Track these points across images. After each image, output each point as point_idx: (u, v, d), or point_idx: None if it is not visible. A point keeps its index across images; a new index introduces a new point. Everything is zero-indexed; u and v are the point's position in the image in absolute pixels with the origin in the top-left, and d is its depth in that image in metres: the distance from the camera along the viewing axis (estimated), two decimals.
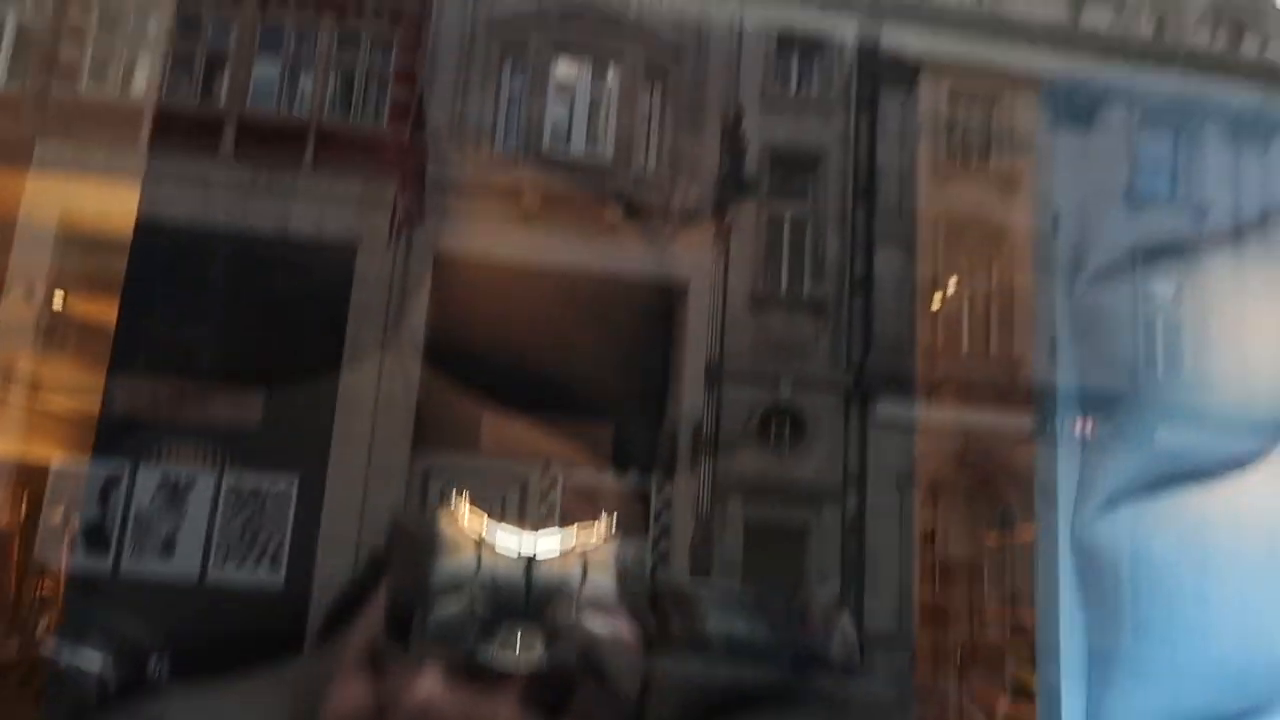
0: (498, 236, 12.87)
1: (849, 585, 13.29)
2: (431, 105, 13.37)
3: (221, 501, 12.11)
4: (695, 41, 14.37)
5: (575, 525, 2.81)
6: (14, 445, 12.06)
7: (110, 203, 12.13)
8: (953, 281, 14.86)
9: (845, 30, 14.85)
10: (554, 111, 13.81)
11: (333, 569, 11.12)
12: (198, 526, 12.02)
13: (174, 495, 12.07)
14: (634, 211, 13.46)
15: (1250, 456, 12.15)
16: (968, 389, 14.03)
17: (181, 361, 12.12)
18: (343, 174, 13.00)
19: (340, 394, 12.36)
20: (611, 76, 13.95)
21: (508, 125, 13.81)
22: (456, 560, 2.68)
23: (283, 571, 11.96)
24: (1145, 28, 16.04)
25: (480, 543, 2.73)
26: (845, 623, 11.89)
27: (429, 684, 2.56)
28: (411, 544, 2.80)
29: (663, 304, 13.71)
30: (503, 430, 12.34)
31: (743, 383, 13.65)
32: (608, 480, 12.93)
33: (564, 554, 2.74)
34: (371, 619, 2.75)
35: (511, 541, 2.76)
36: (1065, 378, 13.99)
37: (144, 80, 13.65)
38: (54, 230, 12.43)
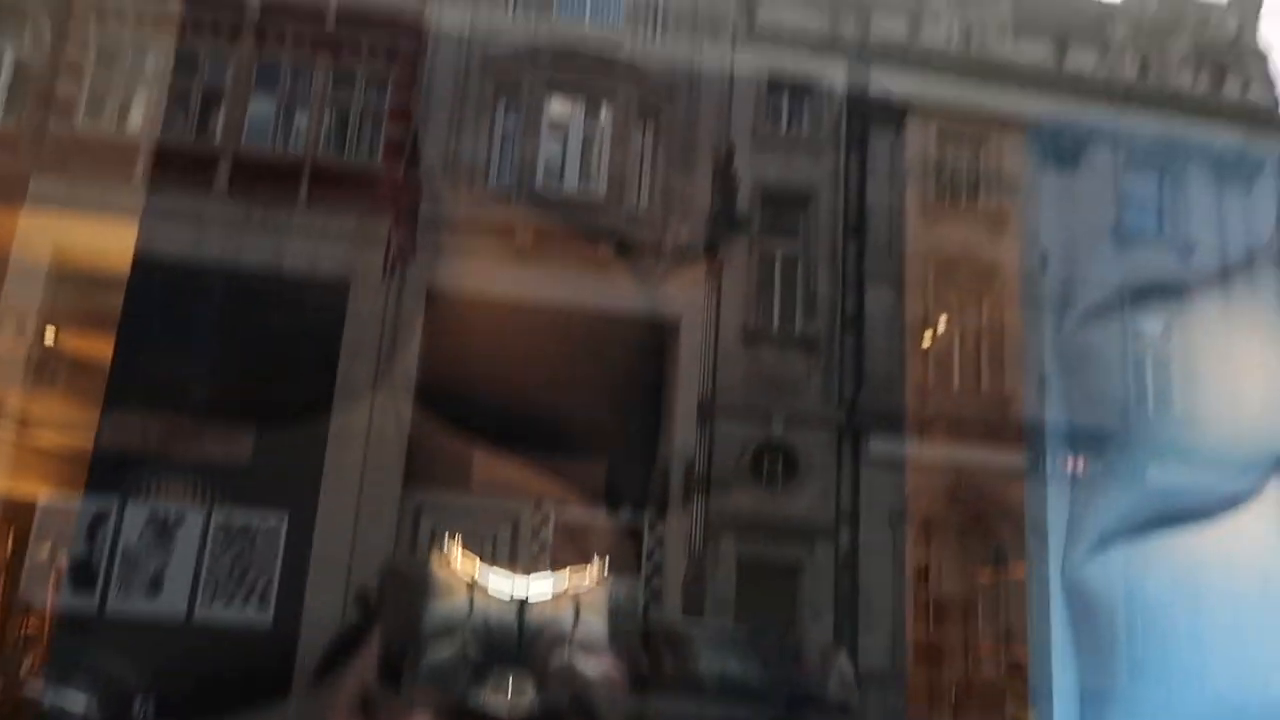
0: (491, 273, 12.91)
1: (842, 623, 13.22)
2: (426, 143, 13.45)
3: (210, 539, 12.01)
4: (687, 82, 14.53)
5: (568, 569, 2.81)
6: (0, 481, 11.97)
7: (103, 239, 12.14)
8: (943, 319, 14.95)
9: (835, 73, 15.07)
10: (547, 149, 13.91)
11: (322, 607, 11.01)
12: (186, 564, 11.91)
13: (162, 532, 11.96)
14: (626, 248, 13.52)
15: (1242, 495, 12.20)
16: (959, 426, 14.05)
17: (174, 397, 12.06)
18: (337, 211, 13.05)
19: (331, 431, 12.32)
20: (604, 115, 14.08)
21: (501, 163, 13.90)
22: (449, 604, 2.67)
23: (271, 610, 11.83)
24: (1129, 70, 16.31)
25: (473, 585, 2.73)
26: (843, 662, 11.78)
27: None
28: (404, 588, 2.79)
29: (655, 341, 13.73)
30: (494, 468, 12.30)
31: (735, 419, 13.65)
32: (600, 518, 12.87)
33: (556, 597, 2.74)
34: (364, 663, 2.73)
35: (504, 584, 2.75)
36: (1055, 415, 14.05)
37: (140, 116, 13.72)
38: (47, 266, 12.43)
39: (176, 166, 12.92)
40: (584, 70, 13.96)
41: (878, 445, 13.91)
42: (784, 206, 14.91)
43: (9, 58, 13.52)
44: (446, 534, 2.91)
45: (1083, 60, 16.30)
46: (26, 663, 10.95)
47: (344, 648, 2.85)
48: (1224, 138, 15.80)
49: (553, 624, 2.68)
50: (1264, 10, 16.94)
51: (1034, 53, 16.08)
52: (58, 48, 13.46)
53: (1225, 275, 15.22)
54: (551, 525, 12.53)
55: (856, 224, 14.86)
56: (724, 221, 13.59)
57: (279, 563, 11.99)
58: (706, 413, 13.34)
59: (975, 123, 15.41)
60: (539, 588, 2.77)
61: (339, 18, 13.90)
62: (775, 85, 15.14)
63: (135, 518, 11.90)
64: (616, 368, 12.94)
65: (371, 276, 12.69)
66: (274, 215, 13.01)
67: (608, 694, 2.62)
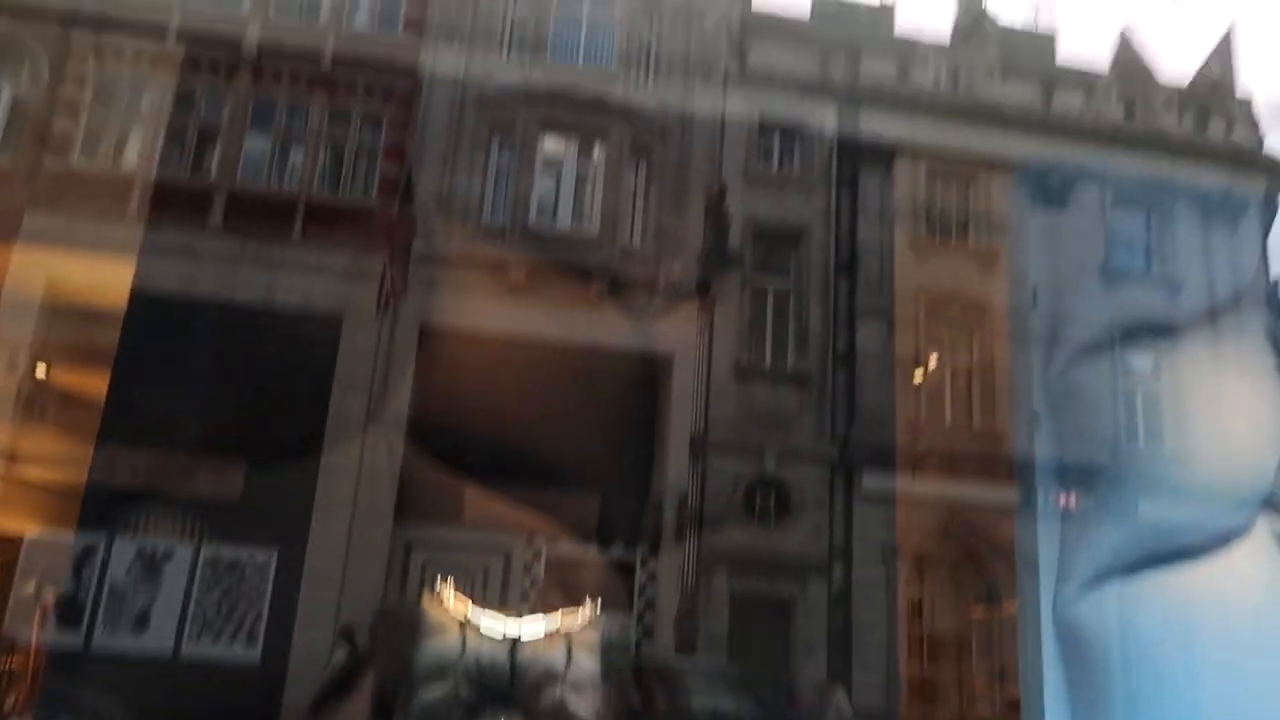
0: (484, 309, 12.96)
1: (835, 659, 13.14)
2: (420, 180, 13.54)
3: (199, 574, 11.93)
4: (679, 122, 14.70)
5: (560, 610, 2.81)
6: None
7: (96, 274, 12.17)
8: (934, 356, 15.02)
9: (825, 114, 15.27)
10: (541, 187, 14.02)
11: (310, 644, 10.91)
12: (173, 600, 11.82)
13: (150, 568, 11.88)
14: (619, 285, 13.60)
15: (1233, 532, 12.22)
16: (951, 461, 14.07)
17: (167, 432, 12.03)
18: (331, 247, 13.11)
19: (323, 466, 12.28)
20: (597, 154, 14.22)
21: (495, 200, 13.99)
22: (441, 643, 2.67)
23: (259, 647, 11.74)
24: (1115, 111, 16.56)
25: (465, 624, 2.73)
26: (840, 699, 11.73)
27: None
28: (396, 627, 2.79)
29: (648, 377, 13.76)
30: (486, 503, 12.26)
31: (727, 455, 13.65)
32: (592, 553, 12.82)
33: (549, 635, 2.74)
34: (357, 705, 2.73)
35: (496, 623, 2.76)
36: (1047, 451, 14.09)
37: (135, 153, 13.79)
38: (39, 301, 12.44)
39: (171, 202, 12.99)
40: (577, 110, 14.12)
41: (870, 481, 13.92)
42: (776, 244, 15.02)
43: (6, 94, 13.62)
44: (438, 572, 2.91)
45: (1069, 102, 16.56)
46: (11, 700, 10.81)
47: (336, 688, 2.85)
48: (1209, 178, 16.02)
49: (545, 663, 2.69)
50: (1241, 55, 17.26)
51: (1021, 95, 16.33)
52: (55, 85, 13.57)
53: (1213, 313, 15.36)
54: (543, 561, 12.48)
55: (848, 261, 14.97)
56: (716, 259, 13.68)
57: (268, 599, 11.90)
58: (699, 448, 13.34)
59: (964, 163, 15.61)
60: (531, 627, 2.77)
61: (335, 57, 14.06)
62: (767, 126, 15.33)
63: (123, 553, 11.83)
64: (609, 404, 12.95)
65: (365, 312, 12.72)
66: (268, 251, 13.07)
67: None
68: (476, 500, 12.35)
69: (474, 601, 2.90)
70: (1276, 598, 11.89)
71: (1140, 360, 15.18)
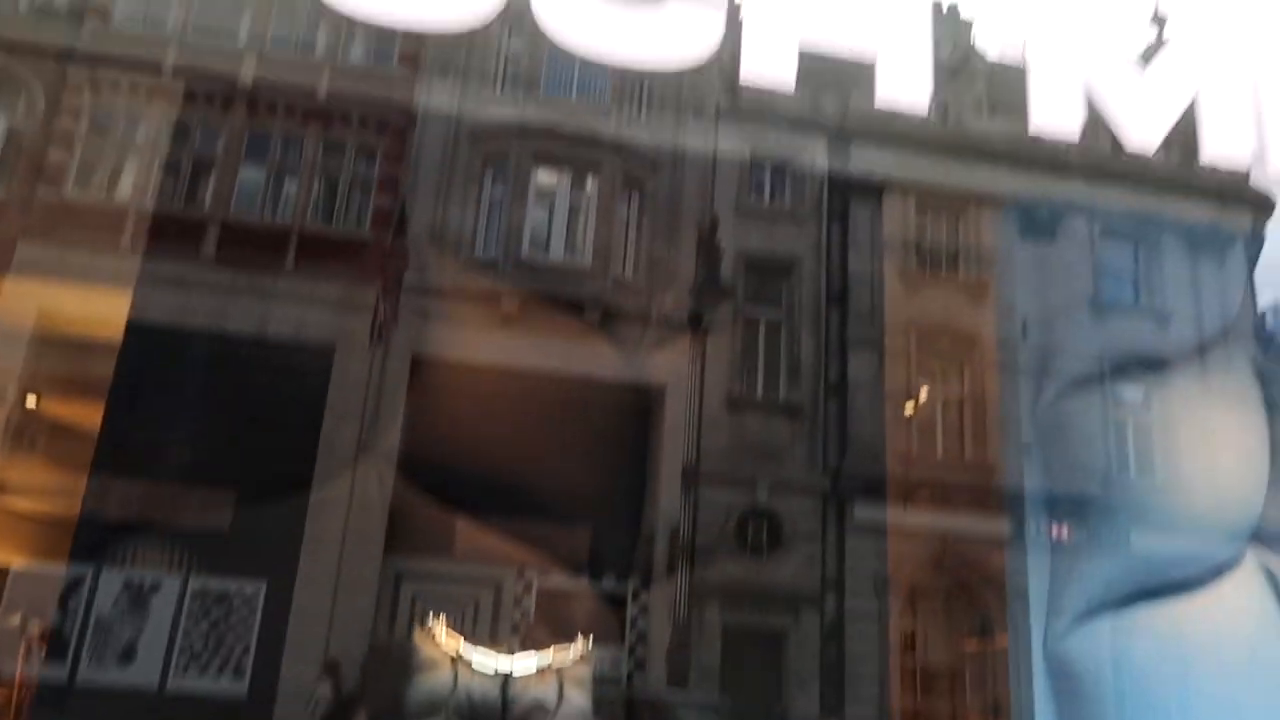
0: (476, 341, 12.98)
1: (828, 692, 13.06)
2: (413, 212, 13.62)
3: (186, 607, 11.82)
4: (671, 156, 14.84)
5: (551, 646, 2.82)
6: None
7: (88, 305, 12.16)
8: (924, 388, 15.07)
9: (815, 149, 15.43)
10: (533, 219, 14.10)
11: (298, 678, 10.82)
12: (160, 632, 11.70)
13: (137, 599, 11.77)
14: (611, 317, 13.65)
15: (1225, 564, 12.24)
16: (943, 493, 14.08)
17: (157, 463, 11.98)
18: (324, 278, 13.14)
19: (313, 497, 12.22)
20: (590, 186, 14.33)
21: (488, 232, 14.07)
22: (433, 679, 2.67)
23: (246, 680, 11.61)
24: (1102, 144, 16.71)
25: (457, 660, 2.74)
26: None
27: None
28: (388, 663, 2.80)
29: (640, 408, 13.77)
30: (477, 535, 12.21)
31: (720, 486, 13.64)
32: (583, 585, 12.76)
33: (540, 671, 2.75)
34: None
35: (488, 659, 2.76)
36: (1037, 483, 14.11)
37: (129, 184, 13.83)
38: (30, 332, 12.40)
39: (165, 233, 13.00)
40: (570, 144, 14.25)
41: (862, 512, 13.91)
42: (767, 276, 15.12)
43: (1, 125, 13.66)
44: (428, 604, 2.92)
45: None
46: None
47: None
48: (1196, 212, 16.18)
49: (536, 699, 2.69)
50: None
51: (1008, 129, 16.51)
52: (51, 116, 13.63)
53: (1202, 345, 15.46)
54: (534, 593, 12.41)
55: (839, 293, 15.07)
56: (708, 291, 13.75)
57: (256, 631, 11.80)
58: (691, 480, 13.33)
59: (953, 197, 15.76)
60: (523, 664, 2.78)
61: (330, 91, 14.17)
62: (758, 161, 15.48)
63: (110, 585, 11.72)
64: (601, 435, 12.95)
65: (357, 343, 12.73)
66: (261, 282, 13.09)
67: None
68: (467, 532, 12.30)
69: (465, 636, 2.91)
70: (1267, 630, 11.89)
71: (1130, 392, 15.25)
